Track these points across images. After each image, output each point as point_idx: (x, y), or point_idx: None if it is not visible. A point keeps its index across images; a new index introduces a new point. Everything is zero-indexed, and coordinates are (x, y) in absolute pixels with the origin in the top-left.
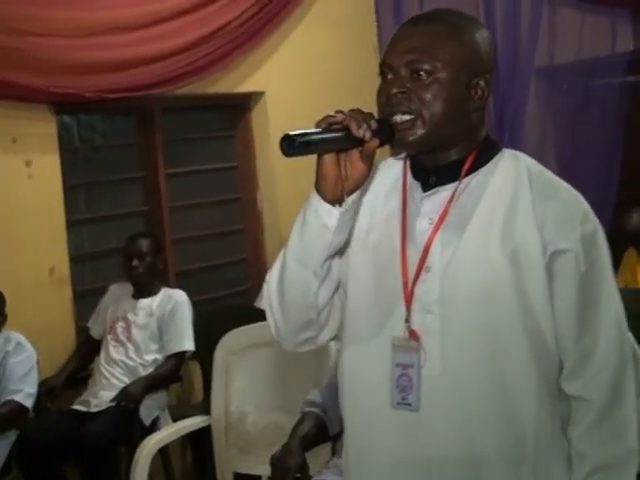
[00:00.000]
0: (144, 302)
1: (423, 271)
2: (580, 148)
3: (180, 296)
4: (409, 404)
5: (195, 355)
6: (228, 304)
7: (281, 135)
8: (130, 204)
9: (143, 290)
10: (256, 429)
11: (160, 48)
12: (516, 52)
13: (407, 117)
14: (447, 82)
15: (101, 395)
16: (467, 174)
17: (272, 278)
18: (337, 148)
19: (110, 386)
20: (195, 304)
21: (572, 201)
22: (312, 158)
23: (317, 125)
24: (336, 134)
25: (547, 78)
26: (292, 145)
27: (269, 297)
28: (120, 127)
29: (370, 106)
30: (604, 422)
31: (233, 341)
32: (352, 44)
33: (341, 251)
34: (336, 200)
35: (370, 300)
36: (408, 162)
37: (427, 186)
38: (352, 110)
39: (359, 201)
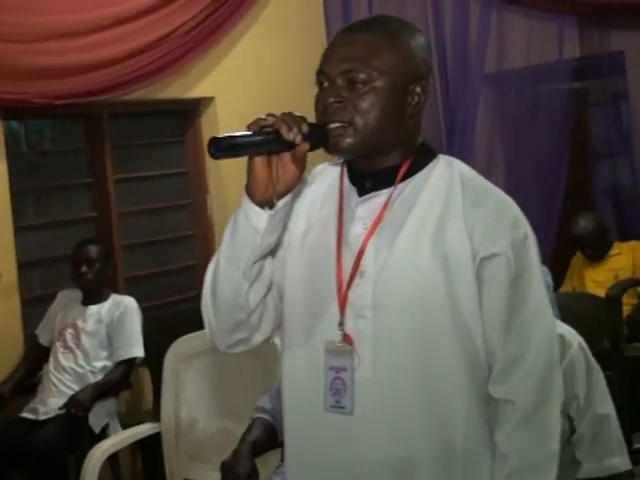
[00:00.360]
0: (93, 309)
1: (357, 275)
2: (528, 154)
3: (129, 302)
4: (343, 407)
5: (145, 361)
6: (178, 310)
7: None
8: (79, 210)
9: (92, 297)
10: (206, 435)
11: (108, 54)
12: (465, 59)
13: (340, 124)
14: (383, 90)
15: (50, 402)
16: (402, 180)
17: (207, 278)
18: (268, 151)
19: (59, 393)
20: (145, 310)
21: (503, 207)
22: None
23: (248, 128)
24: (267, 137)
25: (495, 84)
26: (219, 148)
27: (204, 296)
28: (68, 132)
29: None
30: (527, 425)
31: (183, 347)
32: (302, 49)
33: (272, 253)
34: (266, 202)
35: (305, 303)
36: (345, 167)
37: (363, 191)
38: (284, 113)
39: (291, 204)
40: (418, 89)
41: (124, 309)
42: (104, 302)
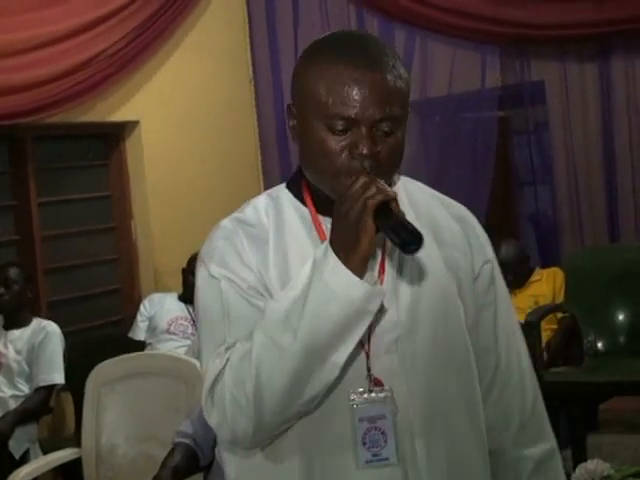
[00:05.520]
0: (15, 333)
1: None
2: (452, 181)
3: (52, 327)
4: (385, 459)
5: (67, 386)
6: (102, 334)
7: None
8: (1, 233)
9: (13, 321)
10: (126, 461)
11: (32, 76)
12: None
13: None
14: (402, 141)
15: None
16: None
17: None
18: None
19: None
20: (68, 334)
21: (476, 221)
22: (176, 186)
23: (393, 208)
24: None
25: (419, 112)
26: (420, 240)
27: (237, 402)
28: None
29: (243, 138)
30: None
31: (104, 372)
32: (228, 74)
33: None
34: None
35: None
36: (307, 200)
37: None
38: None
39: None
40: None
41: (46, 334)
42: (26, 327)
